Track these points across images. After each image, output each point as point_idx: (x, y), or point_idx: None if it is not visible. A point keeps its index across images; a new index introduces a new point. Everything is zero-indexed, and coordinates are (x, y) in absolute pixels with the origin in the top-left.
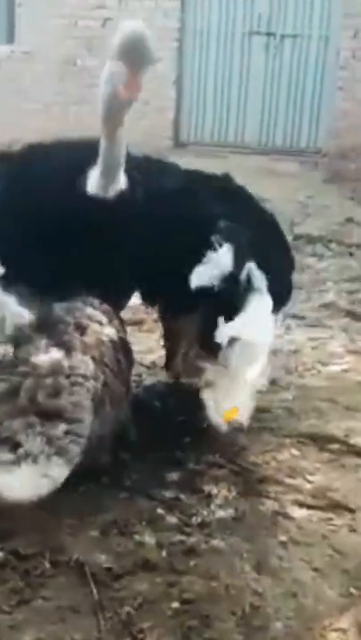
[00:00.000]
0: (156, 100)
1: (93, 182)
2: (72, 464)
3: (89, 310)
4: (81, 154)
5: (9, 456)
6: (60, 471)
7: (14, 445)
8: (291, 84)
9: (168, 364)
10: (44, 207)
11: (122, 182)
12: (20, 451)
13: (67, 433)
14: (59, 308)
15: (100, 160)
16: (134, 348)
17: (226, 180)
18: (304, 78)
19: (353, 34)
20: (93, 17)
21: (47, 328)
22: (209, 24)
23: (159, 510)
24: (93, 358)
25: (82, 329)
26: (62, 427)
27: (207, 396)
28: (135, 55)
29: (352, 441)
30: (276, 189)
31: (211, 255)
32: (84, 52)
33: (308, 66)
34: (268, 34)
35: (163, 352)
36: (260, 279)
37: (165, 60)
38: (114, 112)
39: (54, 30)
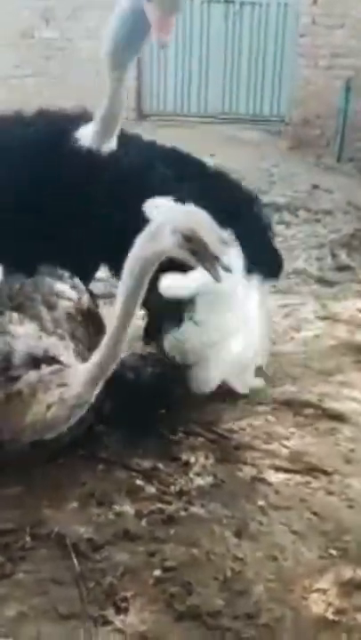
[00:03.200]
0: None
1: (89, 135)
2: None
3: (58, 285)
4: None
5: None
6: None
7: None
8: (251, 51)
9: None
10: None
11: (114, 142)
12: None
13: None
14: (26, 284)
15: (100, 111)
16: (106, 321)
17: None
18: (265, 46)
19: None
20: None
21: (16, 304)
22: None
23: (137, 480)
24: (64, 333)
25: (51, 304)
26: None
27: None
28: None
29: (326, 405)
30: (241, 158)
31: None
32: (41, 24)
33: (268, 33)
34: (227, 1)
35: (135, 324)
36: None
37: None
38: (132, 51)
39: (9, 1)
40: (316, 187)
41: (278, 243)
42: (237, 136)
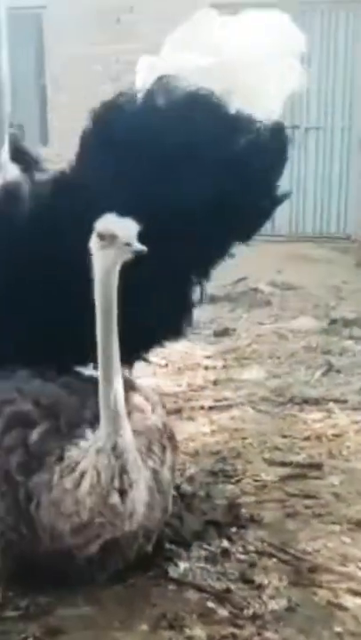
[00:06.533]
0: None
1: None
2: None
3: (136, 397)
4: None
5: None
6: None
7: None
8: (317, 173)
9: None
10: None
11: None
12: None
13: None
14: None
15: None
16: (176, 436)
17: None
18: (330, 168)
19: None
20: None
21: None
22: None
23: (209, 603)
24: (141, 447)
25: (129, 413)
26: None
27: None
28: None
29: None
30: (310, 275)
31: None
32: (126, 9)
33: (333, 156)
34: (293, 127)
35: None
36: None
37: None
38: None
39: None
40: None
41: (348, 358)
42: (305, 253)
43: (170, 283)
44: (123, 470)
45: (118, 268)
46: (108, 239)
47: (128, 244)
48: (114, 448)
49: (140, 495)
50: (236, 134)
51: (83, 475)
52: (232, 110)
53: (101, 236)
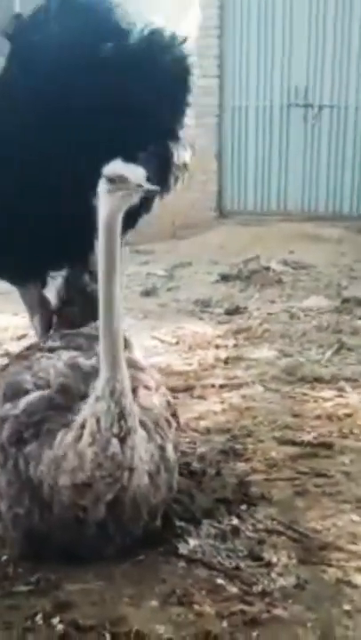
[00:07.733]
0: (198, 173)
1: None
2: None
3: (140, 375)
4: None
5: None
6: None
7: None
8: (330, 152)
9: None
10: None
11: None
12: None
13: None
14: None
15: None
16: (187, 414)
17: None
18: (343, 146)
19: None
20: None
21: None
22: (247, 99)
23: (219, 580)
24: (150, 422)
25: (135, 390)
26: None
27: None
28: None
29: None
30: (322, 254)
31: None
32: None
33: (346, 134)
34: (306, 105)
35: (216, 418)
36: None
37: (206, 135)
38: None
39: None
40: None
41: (360, 337)
42: (318, 233)
43: (71, 188)
44: (121, 416)
45: (124, 211)
46: (119, 182)
47: (140, 185)
48: (112, 393)
49: (137, 446)
50: (102, 37)
51: (83, 425)
52: (100, 14)
53: (111, 180)
